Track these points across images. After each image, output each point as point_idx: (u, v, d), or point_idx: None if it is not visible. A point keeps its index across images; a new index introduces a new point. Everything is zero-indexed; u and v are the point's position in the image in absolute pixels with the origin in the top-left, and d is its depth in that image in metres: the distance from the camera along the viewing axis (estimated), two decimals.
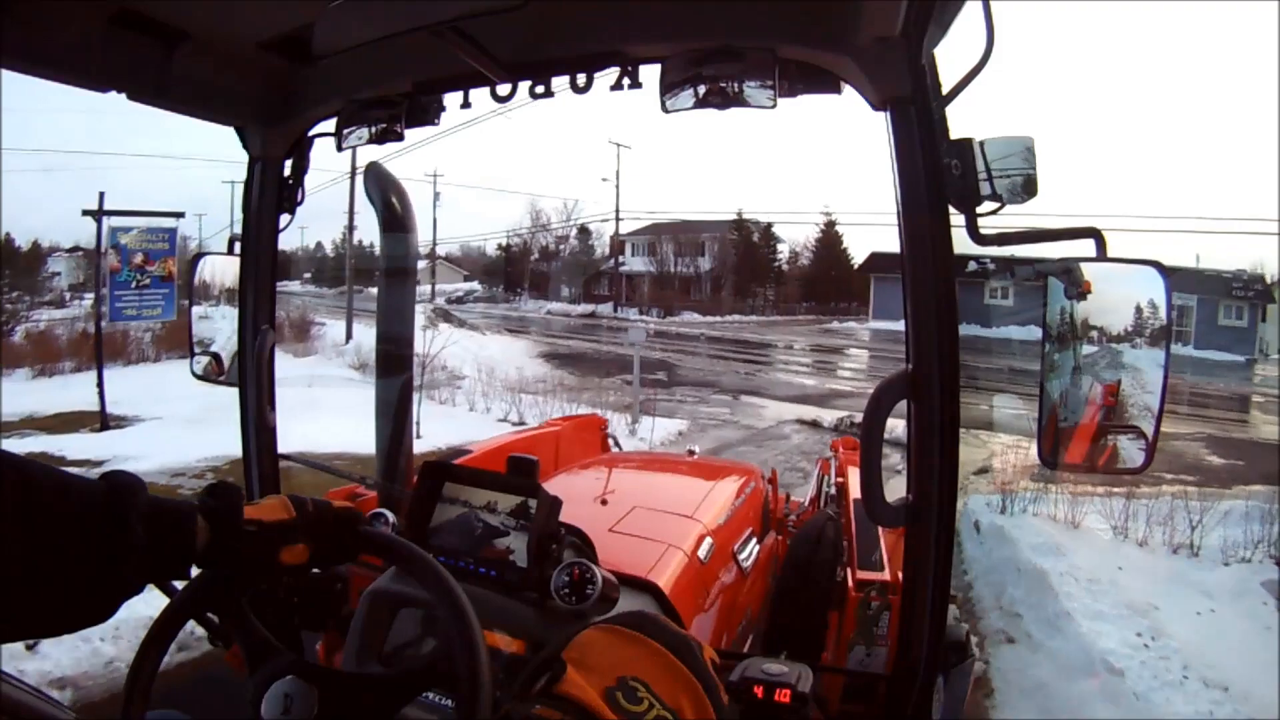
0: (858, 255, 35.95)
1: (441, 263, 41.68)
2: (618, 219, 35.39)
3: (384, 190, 1.76)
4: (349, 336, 16.31)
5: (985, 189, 0.96)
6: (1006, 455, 6.50)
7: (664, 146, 71.27)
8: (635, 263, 36.56)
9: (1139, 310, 0.95)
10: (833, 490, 2.59)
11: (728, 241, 35.47)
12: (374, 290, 1.92)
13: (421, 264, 38.67)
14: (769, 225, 36.62)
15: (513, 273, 38.84)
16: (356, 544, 0.81)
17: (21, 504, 0.60)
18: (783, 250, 37.71)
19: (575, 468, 2.47)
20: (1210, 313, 24.06)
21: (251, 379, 1.51)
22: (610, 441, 3.23)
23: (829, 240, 37.08)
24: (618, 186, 35.57)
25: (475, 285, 41.87)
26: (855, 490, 2.04)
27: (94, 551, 0.62)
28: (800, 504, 2.90)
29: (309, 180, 1.51)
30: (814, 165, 64.79)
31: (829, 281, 35.75)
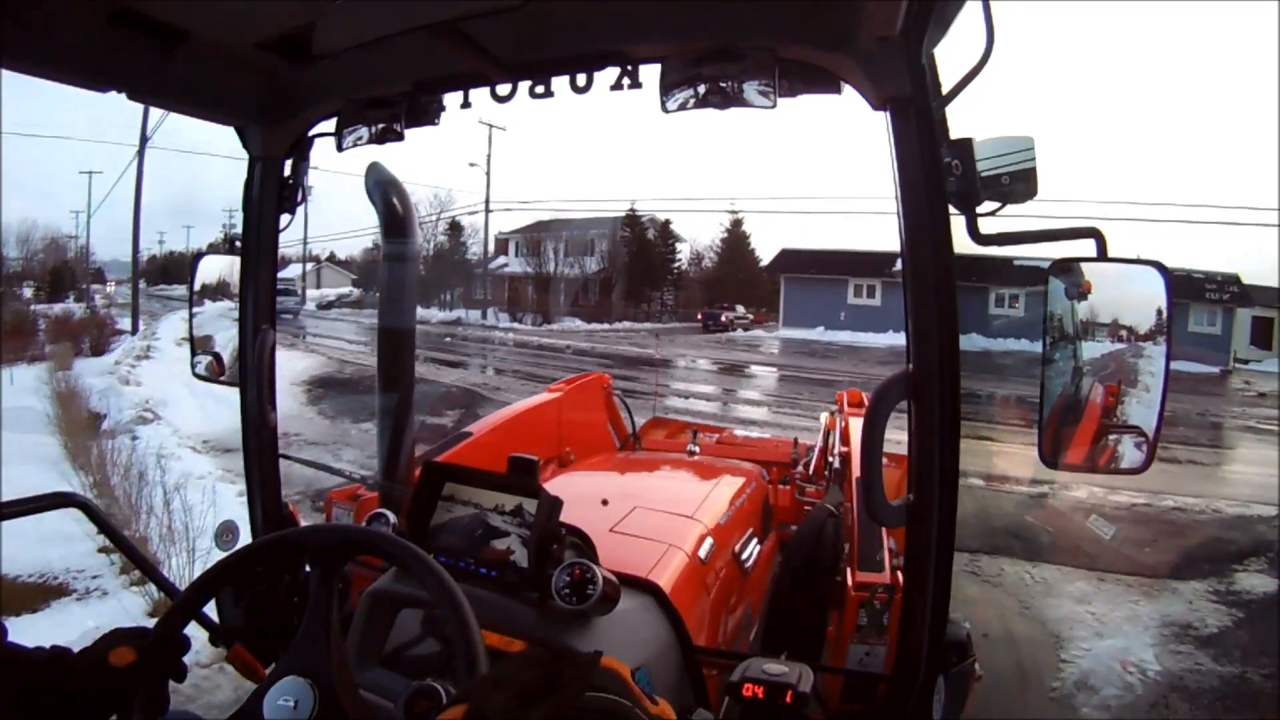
0: (767, 252, 32.01)
1: (327, 265, 38.44)
2: (487, 210, 31.31)
3: (385, 191, 1.76)
4: (135, 329, 15.38)
5: (985, 189, 0.96)
6: None
7: (546, 130, 59.77)
8: (518, 264, 32.38)
9: (1139, 310, 0.95)
10: (836, 462, 2.58)
11: (619, 239, 31.47)
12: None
13: (299, 268, 35.65)
14: (667, 222, 32.61)
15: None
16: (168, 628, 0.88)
17: None
18: (682, 249, 33.50)
19: (576, 468, 2.48)
20: (1180, 318, 19.99)
21: (252, 379, 1.51)
22: (617, 403, 3.14)
23: (734, 239, 33.61)
24: (488, 173, 30.85)
25: (349, 289, 36.92)
26: (858, 467, 2.02)
27: None
28: (809, 449, 2.97)
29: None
30: (720, 151, 56.07)
31: (734, 283, 31.79)
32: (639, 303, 31.87)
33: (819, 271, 26.98)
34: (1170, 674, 3.69)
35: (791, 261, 28.38)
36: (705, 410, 11.47)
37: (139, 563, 1.40)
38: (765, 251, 33.10)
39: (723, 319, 28.08)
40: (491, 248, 33.19)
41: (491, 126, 29.75)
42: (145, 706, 0.82)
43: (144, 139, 17.27)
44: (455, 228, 33.90)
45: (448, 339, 21.49)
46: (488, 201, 31.41)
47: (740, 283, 32.37)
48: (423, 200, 31.87)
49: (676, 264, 33.95)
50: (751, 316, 29.34)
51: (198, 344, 1.68)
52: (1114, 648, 3.87)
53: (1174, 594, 4.72)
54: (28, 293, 27.03)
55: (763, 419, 11.06)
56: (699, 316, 29.19)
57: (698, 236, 35.26)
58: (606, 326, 28.40)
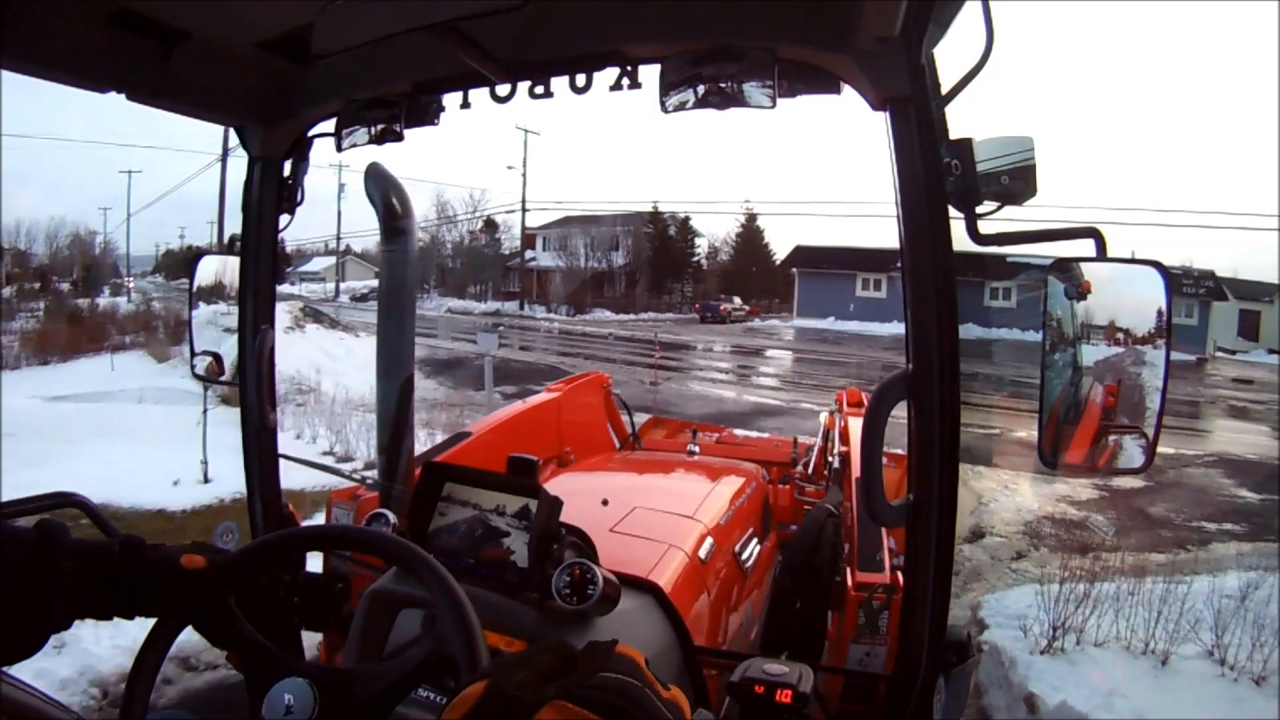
0: (782, 248, 34.59)
1: (353, 259, 39.72)
2: (524, 210, 33.49)
3: (384, 192, 1.76)
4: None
5: (985, 189, 0.96)
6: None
7: (576, 133, 66.99)
8: (545, 258, 34.37)
9: (1138, 310, 0.95)
10: (836, 462, 2.58)
11: (642, 235, 33.68)
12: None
13: (329, 261, 37.63)
14: (686, 218, 34.82)
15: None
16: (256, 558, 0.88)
17: None
18: (701, 244, 36.03)
19: (576, 468, 2.48)
20: None
21: (251, 379, 1.51)
22: (616, 402, 3.16)
23: (750, 234, 35.55)
24: (524, 175, 33.12)
25: (378, 282, 38.68)
26: (857, 467, 2.03)
27: (29, 592, 0.72)
28: (809, 448, 2.97)
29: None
30: (736, 154, 61.06)
31: (750, 277, 34.07)
32: (662, 295, 33.57)
33: (830, 266, 28.66)
34: (1046, 513, 6.49)
35: (805, 257, 30.05)
36: (728, 380, 14.65)
37: None
38: (779, 247, 35.31)
39: (721, 309, 29.34)
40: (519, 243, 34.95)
41: (527, 132, 31.84)
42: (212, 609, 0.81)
43: (225, 150, 17.84)
44: (490, 225, 35.97)
45: (500, 328, 23.03)
46: (524, 201, 33.18)
47: (755, 276, 34.05)
48: (457, 199, 35.45)
49: (696, 259, 35.73)
50: (747, 309, 30.63)
51: (198, 345, 1.68)
52: (1013, 501, 6.73)
53: (1066, 483, 7.11)
54: (64, 287, 27.26)
55: (785, 386, 14.30)
56: (695, 308, 30.34)
57: (715, 233, 37.33)
58: (633, 317, 29.83)
